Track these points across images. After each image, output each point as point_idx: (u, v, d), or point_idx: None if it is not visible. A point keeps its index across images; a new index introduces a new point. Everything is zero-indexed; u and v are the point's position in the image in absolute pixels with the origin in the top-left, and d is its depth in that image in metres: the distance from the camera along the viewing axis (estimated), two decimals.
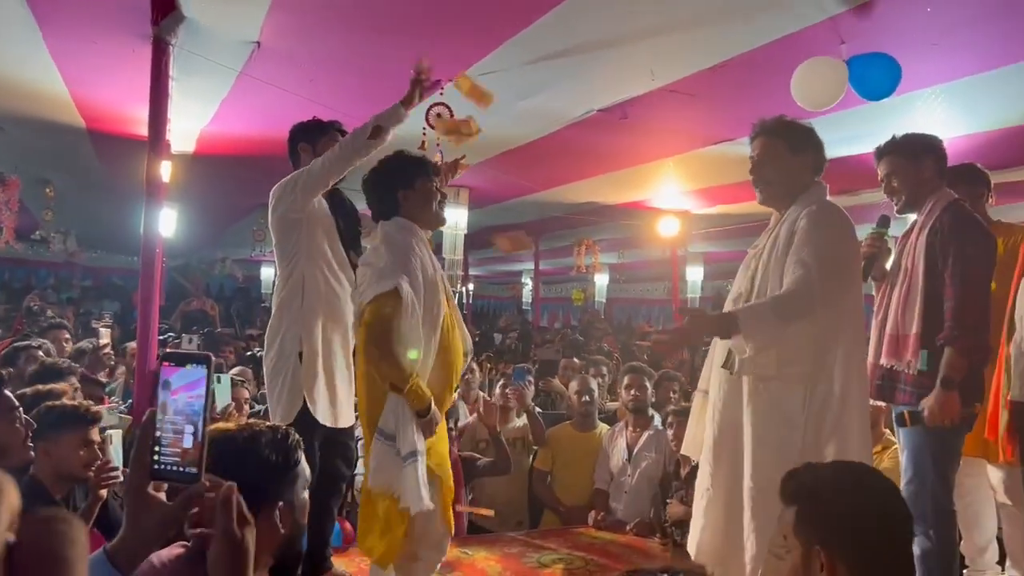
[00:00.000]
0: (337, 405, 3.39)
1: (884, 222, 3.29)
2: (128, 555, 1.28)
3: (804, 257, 2.69)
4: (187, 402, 1.29)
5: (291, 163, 3.72)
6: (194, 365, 1.30)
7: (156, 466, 1.29)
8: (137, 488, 1.29)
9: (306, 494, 1.77)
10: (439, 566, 3.31)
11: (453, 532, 3.24)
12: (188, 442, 1.28)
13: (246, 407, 4.84)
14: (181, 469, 1.28)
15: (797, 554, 1.81)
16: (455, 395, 3.39)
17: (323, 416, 3.32)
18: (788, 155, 2.90)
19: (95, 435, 3.08)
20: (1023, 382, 2.61)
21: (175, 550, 1.70)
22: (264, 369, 3.48)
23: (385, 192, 3.22)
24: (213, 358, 1.34)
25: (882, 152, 3.18)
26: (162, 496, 1.32)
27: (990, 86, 4.84)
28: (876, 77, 4.26)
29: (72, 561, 0.92)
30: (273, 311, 3.48)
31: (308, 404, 3.27)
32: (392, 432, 2.96)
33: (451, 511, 3.20)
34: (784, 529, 1.83)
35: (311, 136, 3.66)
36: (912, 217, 3.19)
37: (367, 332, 2.96)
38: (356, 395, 3.32)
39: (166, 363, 1.32)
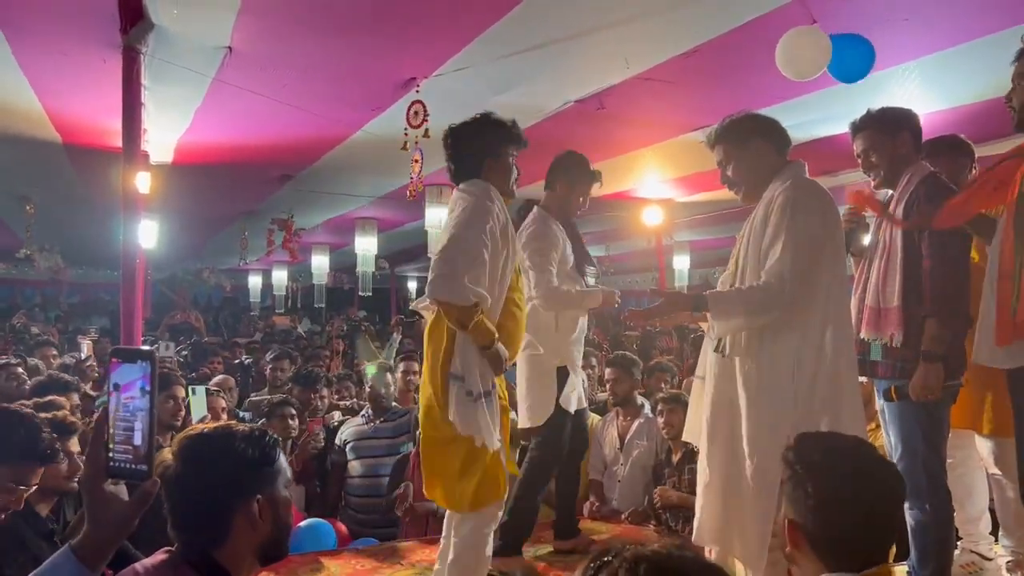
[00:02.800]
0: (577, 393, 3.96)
1: None
2: (93, 551, 1.28)
3: (780, 250, 2.72)
4: (133, 399, 1.28)
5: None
6: (140, 361, 1.29)
7: (111, 463, 1.28)
8: (93, 485, 1.28)
9: (288, 492, 1.76)
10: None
11: (505, 493, 3.22)
12: (138, 439, 1.27)
13: (224, 416, 4.81)
14: (133, 467, 1.28)
15: (781, 520, 1.82)
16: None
17: (574, 406, 3.93)
18: (738, 152, 2.97)
19: (74, 445, 3.07)
20: (987, 345, 2.61)
21: (159, 556, 1.69)
22: (519, 379, 3.96)
23: (470, 155, 3.25)
24: (156, 353, 1.32)
25: (858, 127, 3.18)
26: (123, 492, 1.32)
27: (964, 60, 4.84)
28: (851, 58, 4.27)
29: None
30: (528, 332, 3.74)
31: (563, 404, 3.84)
32: (461, 373, 3.00)
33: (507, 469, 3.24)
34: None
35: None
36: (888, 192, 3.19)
37: (430, 280, 3.01)
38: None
39: (114, 359, 1.31)
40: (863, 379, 3.01)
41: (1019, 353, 2.52)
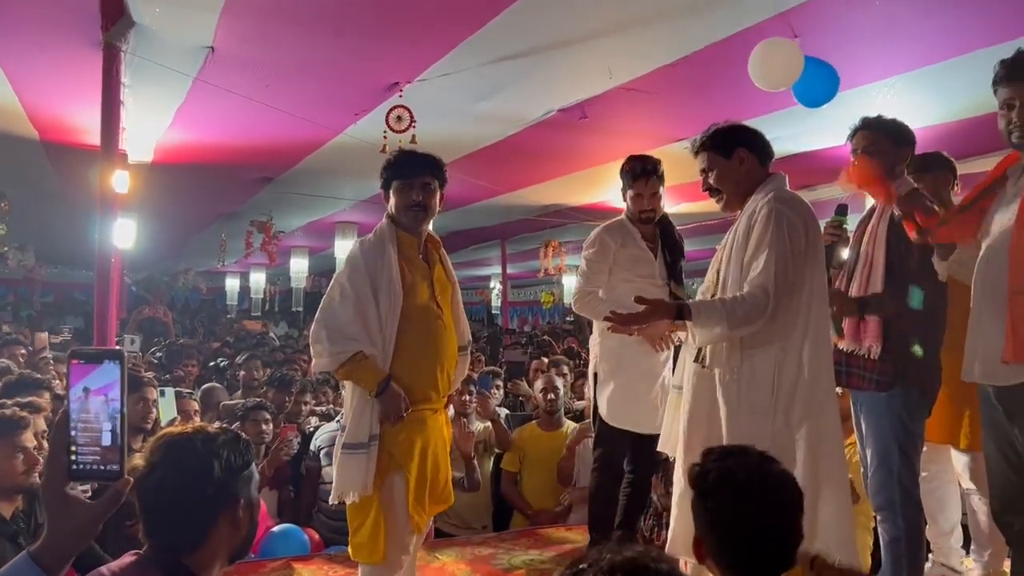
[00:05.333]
0: (635, 408, 3.72)
1: (842, 211, 3.30)
2: (53, 556, 1.24)
3: (763, 263, 2.72)
4: (102, 400, 1.26)
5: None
6: (108, 361, 1.26)
7: (74, 467, 1.25)
8: (55, 490, 1.25)
9: (258, 494, 1.76)
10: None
11: (420, 531, 3.19)
12: (107, 440, 1.25)
13: (196, 418, 4.76)
14: (102, 468, 1.26)
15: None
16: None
17: (610, 417, 3.74)
18: (722, 161, 2.95)
19: (28, 440, 3.02)
20: (984, 362, 2.62)
21: (127, 559, 1.67)
22: None
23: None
24: (125, 352, 1.30)
25: (868, 126, 3.16)
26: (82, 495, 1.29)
27: (944, 77, 4.91)
28: (815, 84, 4.35)
29: None
30: None
31: (601, 413, 3.76)
32: (344, 423, 3.07)
33: (424, 511, 3.15)
34: None
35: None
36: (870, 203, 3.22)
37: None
38: None
39: (75, 360, 1.27)
40: (840, 390, 3.02)
41: (1022, 370, 2.50)
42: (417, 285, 3.16)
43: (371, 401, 2.99)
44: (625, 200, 3.90)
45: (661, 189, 3.86)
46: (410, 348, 3.09)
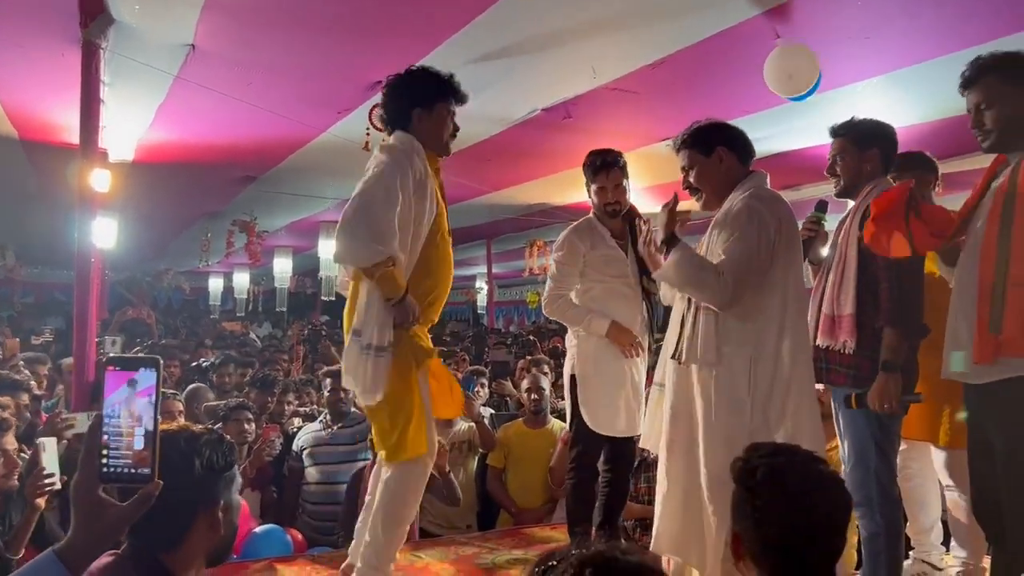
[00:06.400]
0: (613, 412, 3.68)
1: (822, 207, 3.32)
2: (79, 555, 1.26)
3: (727, 251, 2.78)
4: (137, 405, 1.30)
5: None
6: (143, 369, 1.31)
7: (105, 469, 1.29)
8: (87, 491, 1.28)
9: (239, 496, 1.75)
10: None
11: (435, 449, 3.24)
12: (139, 444, 1.30)
13: (180, 419, 4.73)
14: (133, 471, 1.30)
15: (730, 534, 1.81)
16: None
17: (591, 422, 3.67)
18: (702, 159, 2.99)
19: (9, 442, 3.00)
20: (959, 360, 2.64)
21: (104, 559, 1.65)
22: None
23: (401, 105, 3.14)
24: (161, 361, 1.36)
25: (834, 133, 3.19)
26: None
27: (927, 76, 4.94)
28: None
29: None
30: None
31: (585, 419, 3.67)
32: (359, 327, 2.97)
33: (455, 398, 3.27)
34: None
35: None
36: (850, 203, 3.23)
37: (335, 245, 2.99)
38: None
39: (111, 367, 1.31)
40: (820, 386, 3.03)
41: (994, 369, 2.53)
42: (443, 204, 3.14)
43: (390, 309, 2.94)
44: (590, 195, 3.83)
45: (625, 181, 3.79)
46: (428, 266, 3.09)
